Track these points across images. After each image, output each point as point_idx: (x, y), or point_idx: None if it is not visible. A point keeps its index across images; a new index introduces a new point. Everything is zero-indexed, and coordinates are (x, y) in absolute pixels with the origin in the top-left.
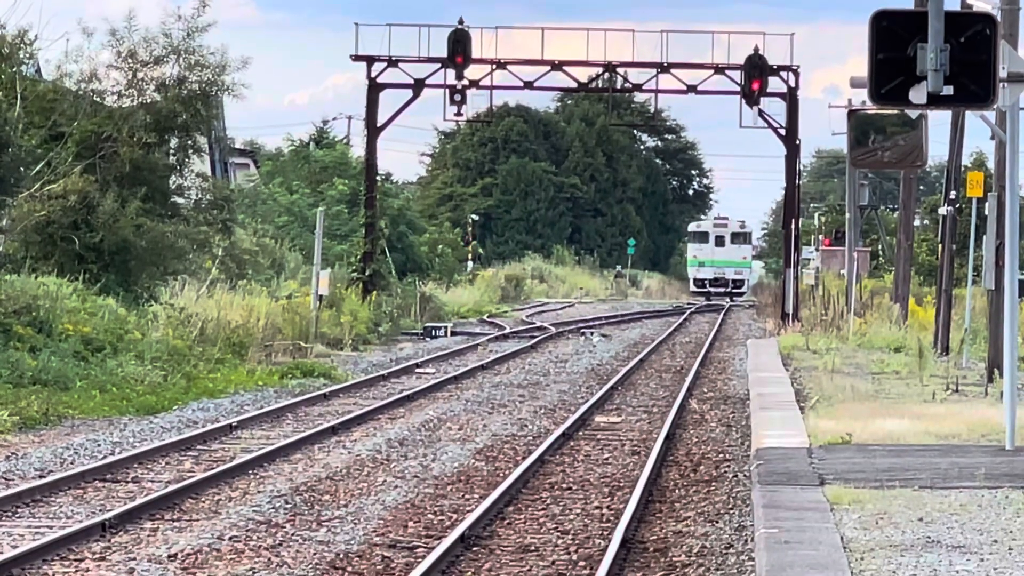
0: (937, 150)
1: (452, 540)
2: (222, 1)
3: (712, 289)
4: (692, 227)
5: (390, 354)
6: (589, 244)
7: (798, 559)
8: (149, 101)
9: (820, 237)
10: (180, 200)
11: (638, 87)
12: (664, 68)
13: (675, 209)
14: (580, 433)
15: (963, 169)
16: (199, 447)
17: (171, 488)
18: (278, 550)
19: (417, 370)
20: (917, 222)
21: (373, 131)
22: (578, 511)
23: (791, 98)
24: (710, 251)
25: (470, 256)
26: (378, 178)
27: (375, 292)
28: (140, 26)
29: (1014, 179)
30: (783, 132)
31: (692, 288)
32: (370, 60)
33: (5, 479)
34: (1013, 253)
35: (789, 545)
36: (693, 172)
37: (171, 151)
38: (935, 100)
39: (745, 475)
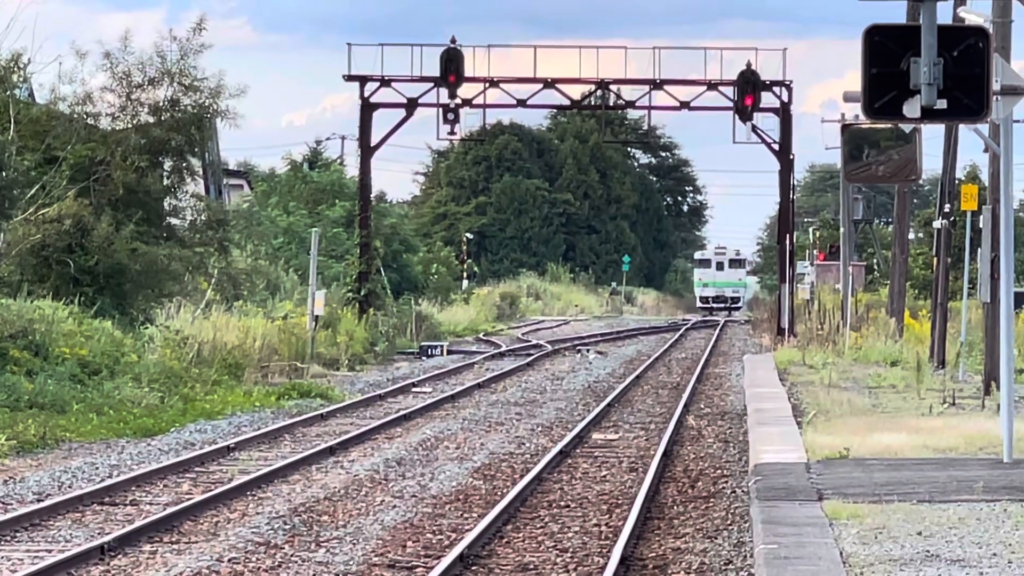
0: (930, 163)
1: (451, 559)
2: (218, 23)
3: (714, 305)
4: (697, 255)
5: (386, 373)
6: (584, 261)
7: (798, 575)
8: (143, 124)
9: (815, 252)
10: (175, 221)
11: (631, 104)
12: (657, 85)
13: (669, 225)
14: (578, 450)
15: (957, 182)
16: (197, 469)
17: (170, 511)
18: (277, 571)
19: (414, 389)
20: (912, 235)
21: (367, 151)
22: (577, 529)
23: (784, 113)
24: (712, 274)
25: (465, 275)
26: (372, 198)
27: (371, 311)
28: (135, 48)
29: (1009, 191)
30: (776, 147)
31: (698, 304)
32: (363, 80)
33: (3, 503)
34: (1008, 265)
35: (788, 561)
36: (687, 189)
37: (165, 173)
38: (929, 114)
39: (743, 491)
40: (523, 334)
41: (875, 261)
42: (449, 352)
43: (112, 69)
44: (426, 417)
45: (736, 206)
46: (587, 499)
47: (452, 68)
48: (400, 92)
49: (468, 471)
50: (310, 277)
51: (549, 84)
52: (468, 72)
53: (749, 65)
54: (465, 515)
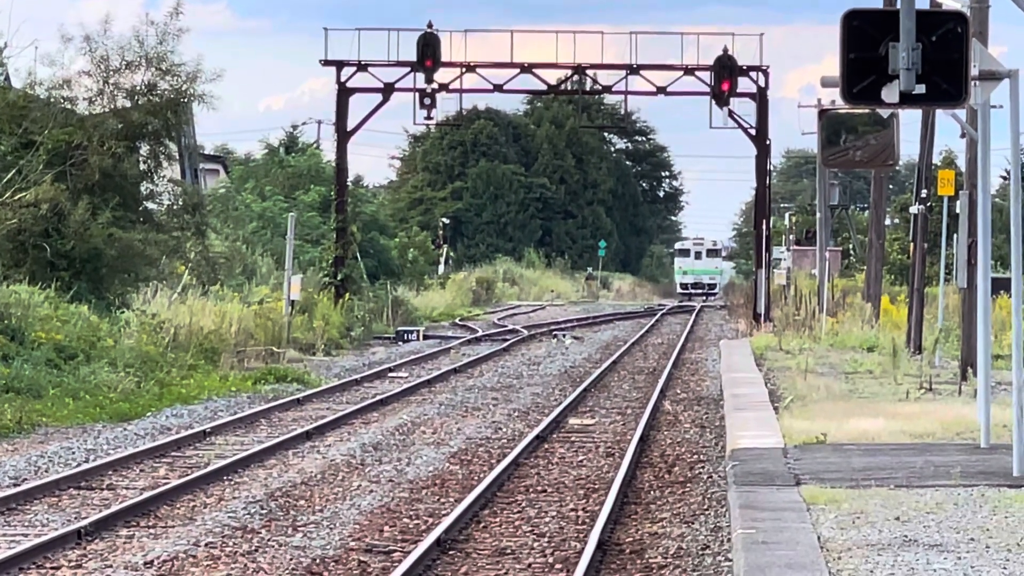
0: (906, 149)
1: (428, 544)
2: (197, 7)
3: (693, 291)
4: (678, 245)
5: (363, 358)
6: (560, 246)
7: (776, 559)
8: (120, 108)
9: (791, 237)
10: (152, 206)
11: (608, 89)
12: (633, 70)
13: (645, 211)
14: (554, 436)
15: (933, 167)
16: (173, 454)
17: (146, 495)
18: (254, 556)
19: (390, 374)
20: (888, 221)
21: (343, 135)
22: (554, 513)
23: (761, 98)
24: (691, 263)
25: (441, 260)
26: (348, 182)
27: (347, 296)
28: (113, 33)
29: (986, 177)
30: (753, 132)
31: (678, 290)
32: (339, 65)
33: None
34: (986, 251)
35: (767, 545)
36: (663, 174)
37: (142, 158)
38: (907, 99)
39: (720, 476)
40: (499, 319)
41: (851, 246)
42: (425, 337)
43: (91, 53)
44: (402, 402)
45: (712, 191)
46: (564, 484)
47: (429, 53)
48: (377, 77)
49: (445, 456)
50: (286, 262)
51: (526, 69)
52: (445, 57)
53: (726, 50)
54: (442, 500)
